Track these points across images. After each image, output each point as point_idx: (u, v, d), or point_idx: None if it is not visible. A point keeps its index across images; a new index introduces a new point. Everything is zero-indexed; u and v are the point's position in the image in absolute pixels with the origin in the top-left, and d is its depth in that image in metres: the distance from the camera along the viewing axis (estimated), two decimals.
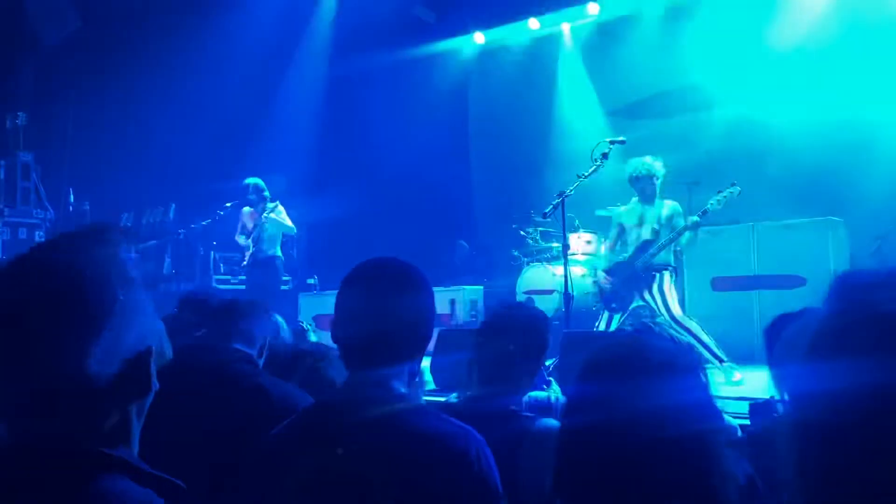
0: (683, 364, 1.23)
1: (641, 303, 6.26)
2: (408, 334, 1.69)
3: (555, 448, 1.30)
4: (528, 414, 2.23)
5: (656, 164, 6.19)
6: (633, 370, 1.20)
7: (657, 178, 6.20)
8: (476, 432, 1.61)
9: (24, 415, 0.97)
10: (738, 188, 5.91)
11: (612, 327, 6.29)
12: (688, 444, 1.16)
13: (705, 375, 1.23)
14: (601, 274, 6.47)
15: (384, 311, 1.66)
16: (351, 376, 1.68)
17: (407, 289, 1.71)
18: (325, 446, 1.56)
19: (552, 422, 2.08)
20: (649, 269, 6.15)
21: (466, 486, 1.54)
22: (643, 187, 6.25)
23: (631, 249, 6.34)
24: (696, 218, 5.96)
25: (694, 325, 5.99)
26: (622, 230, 6.46)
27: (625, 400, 1.17)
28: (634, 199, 6.39)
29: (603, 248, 7.11)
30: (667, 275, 6.16)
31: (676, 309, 6.10)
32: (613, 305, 6.37)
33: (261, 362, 2.61)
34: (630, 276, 6.23)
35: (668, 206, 6.23)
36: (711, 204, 5.94)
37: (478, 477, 1.55)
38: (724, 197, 5.91)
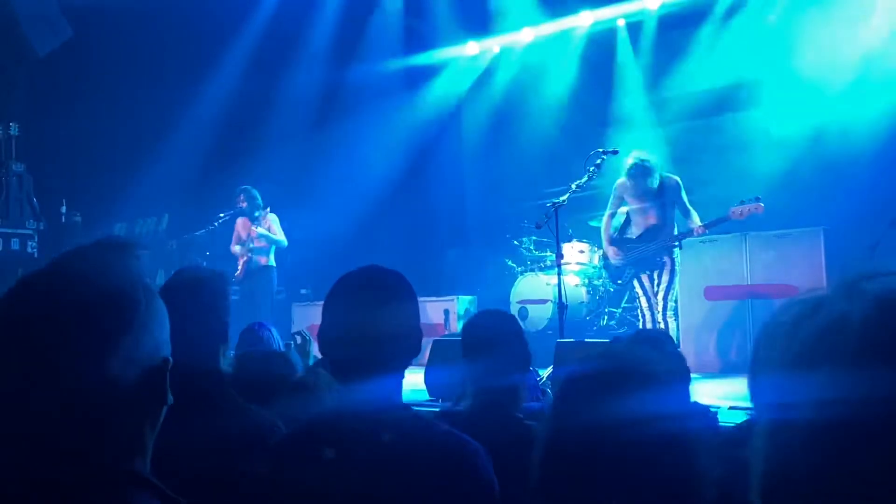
0: (665, 376, 1.24)
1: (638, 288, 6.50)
2: (398, 344, 1.67)
3: (539, 453, 1.30)
4: (530, 422, 2.24)
5: (651, 159, 6.34)
6: (616, 382, 1.21)
7: (654, 172, 6.32)
8: (474, 440, 1.61)
9: (42, 426, 0.95)
10: (763, 205, 5.99)
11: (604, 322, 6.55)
12: (665, 448, 1.18)
13: (687, 387, 1.25)
14: (611, 249, 6.63)
15: (373, 323, 1.63)
16: (344, 389, 1.66)
17: (393, 298, 1.69)
18: (325, 459, 1.55)
19: None
20: (659, 253, 6.37)
21: (472, 494, 1.54)
22: (642, 182, 6.36)
23: (636, 231, 6.53)
24: (705, 223, 6.20)
25: (672, 327, 6.32)
26: (621, 202, 6.61)
27: (606, 409, 1.18)
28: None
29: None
30: (677, 259, 6.39)
31: (670, 305, 6.36)
32: (620, 281, 6.71)
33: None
34: (639, 256, 6.45)
35: (669, 186, 6.34)
36: (731, 213, 6.07)
37: (482, 484, 1.56)
38: (748, 211, 6.00)
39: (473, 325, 2.50)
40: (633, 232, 6.60)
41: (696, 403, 1.26)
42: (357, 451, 1.54)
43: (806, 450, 0.69)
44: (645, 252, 6.45)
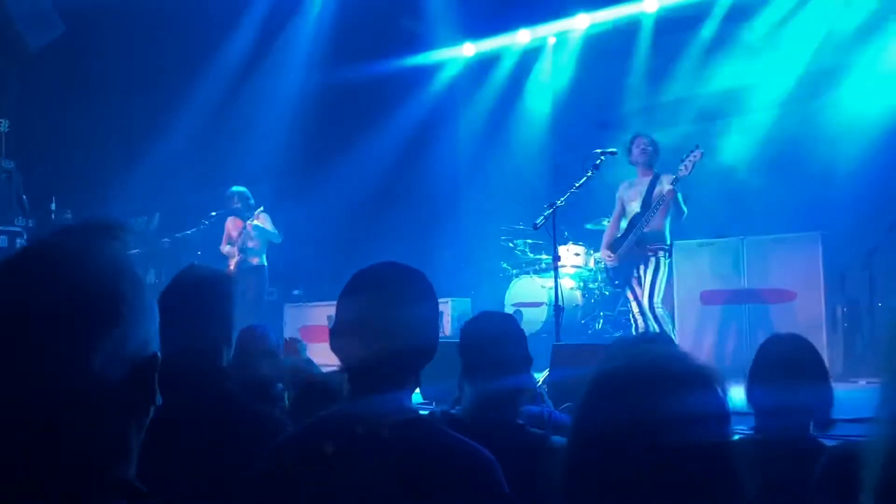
0: (702, 377, 1.16)
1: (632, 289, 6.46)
2: (417, 348, 1.58)
3: (563, 460, 1.22)
4: (537, 430, 2.17)
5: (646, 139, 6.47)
6: (651, 383, 1.12)
7: (650, 148, 6.40)
8: (488, 451, 1.54)
9: (19, 425, 0.86)
10: (702, 151, 6.12)
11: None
12: (702, 457, 1.09)
13: (723, 388, 1.16)
14: (605, 252, 6.62)
15: (393, 324, 1.54)
16: (356, 391, 1.57)
17: (415, 299, 1.59)
18: (336, 463, 1.48)
19: (562, 439, 2.02)
20: (643, 244, 6.27)
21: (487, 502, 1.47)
22: (637, 158, 6.43)
23: (626, 224, 6.51)
24: (669, 186, 6.16)
25: (664, 317, 6.29)
26: (623, 206, 6.61)
27: (640, 413, 1.09)
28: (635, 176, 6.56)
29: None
30: (662, 260, 6.30)
31: (657, 299, 6.29)
32: (617, 282, 6.69)
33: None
34: (628, 251, 6.39)
35: (663, 181, 6.32)
36: (679, 170, 6.14)
37: (498, 494, 1.49)
38: (691, 161, 6.09)
39: (472, 326, 2.41)
40: (626, 225, 6.59)
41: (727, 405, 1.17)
42: (374, 455, 1.46)
43: None
44: (630, 243, 6.37)
